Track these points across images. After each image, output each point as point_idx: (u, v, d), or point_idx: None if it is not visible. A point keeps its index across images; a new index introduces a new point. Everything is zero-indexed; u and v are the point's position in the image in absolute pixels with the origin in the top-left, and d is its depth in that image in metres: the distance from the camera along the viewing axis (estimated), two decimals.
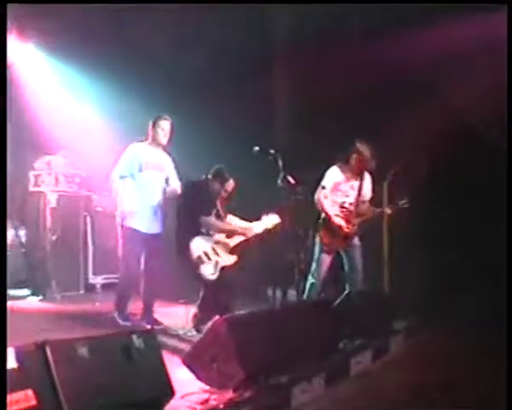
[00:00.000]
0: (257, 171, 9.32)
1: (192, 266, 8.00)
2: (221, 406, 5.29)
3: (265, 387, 5.60)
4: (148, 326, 8.03)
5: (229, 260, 8.28)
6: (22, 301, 10.17)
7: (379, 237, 9.77)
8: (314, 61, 10.60)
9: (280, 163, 8.28)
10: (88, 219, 11.50)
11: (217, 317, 6.04)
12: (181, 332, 8.13)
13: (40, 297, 10.47)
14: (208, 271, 8.02)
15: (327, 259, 9.13)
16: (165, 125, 8.59)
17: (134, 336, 5.12)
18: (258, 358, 5.71)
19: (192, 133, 10.09)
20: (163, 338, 7.04)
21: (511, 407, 5.30)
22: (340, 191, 9.14)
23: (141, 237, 8.46)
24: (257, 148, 8.28)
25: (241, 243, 8.49)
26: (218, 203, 8.37)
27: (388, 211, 9.08)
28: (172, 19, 10.83)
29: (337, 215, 9.03)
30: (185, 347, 6.35)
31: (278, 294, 9.79)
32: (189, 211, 8.20)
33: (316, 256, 9.17)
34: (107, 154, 10.47)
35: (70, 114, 11.50)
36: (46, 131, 11.09)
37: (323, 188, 9.06)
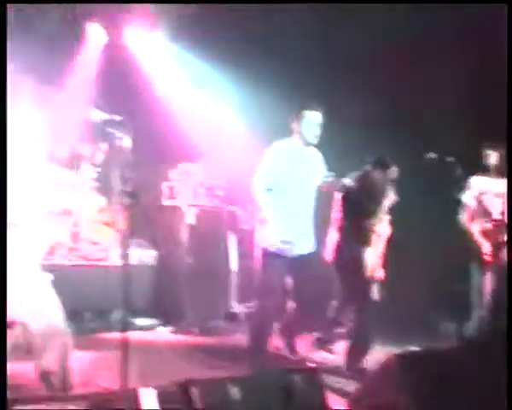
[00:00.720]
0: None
1: (364, 282, 7.70)
2: None
3: None
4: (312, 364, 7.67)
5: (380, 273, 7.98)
6: (150, 332, 10.07)
7: None
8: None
9: (458, 172, 8.21)
10: (232, 238, 11.27)
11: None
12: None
13: (172, 328, 10.34)
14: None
15: (485, 283, 8.72)
16: (313, 118, 7.84)
17: (295, 376, 4.91)
18: (433, 401, 5.22)
19: (345, 132, 9.78)
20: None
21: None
22: (484, 203, 8.82)
23: (289, 261, 7.81)
24: (433, 154, 8.10)
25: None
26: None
27: None
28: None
29: (483, 232, 8.72)
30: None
31: (451, 327, 9.52)
32: (355, 214, 7.84)
33: (477, 284, 8.82)
34: (252, 162, 10.35)
35: (208, 117, 11.45)
36: (182, 137, 11.04)
37: (465, 206, 8.81)
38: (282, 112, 8.74)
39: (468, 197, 8.79)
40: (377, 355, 7.94)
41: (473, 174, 8.84)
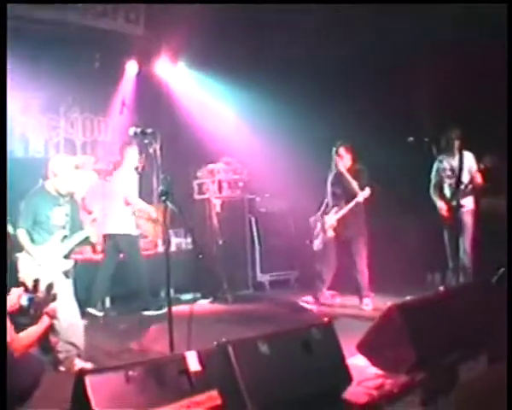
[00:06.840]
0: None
1: None
2: (395, 390, 5.12)
3: (435, 368, 5.23)
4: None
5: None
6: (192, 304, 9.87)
7: None
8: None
9: (434, 150, 8.36)
10: (253, 220, 11.15)
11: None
12: None
13: (210, 299, 10.12)
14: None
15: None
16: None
17: (313, 330, 4.91)
18: (428, 341, 5.32)
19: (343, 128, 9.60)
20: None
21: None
22: (445, 175, 9.06)
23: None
24: (411, 138, 8.16)
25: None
26: None
27: (479, 180, 8.68)
28: (309, 20, 10.30)
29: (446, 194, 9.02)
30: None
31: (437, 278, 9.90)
32: None
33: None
34: (263, 156, 10.28)
35: (224, 124, 11.33)
36: (205, 143, 11.00)
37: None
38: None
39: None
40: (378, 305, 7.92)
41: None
